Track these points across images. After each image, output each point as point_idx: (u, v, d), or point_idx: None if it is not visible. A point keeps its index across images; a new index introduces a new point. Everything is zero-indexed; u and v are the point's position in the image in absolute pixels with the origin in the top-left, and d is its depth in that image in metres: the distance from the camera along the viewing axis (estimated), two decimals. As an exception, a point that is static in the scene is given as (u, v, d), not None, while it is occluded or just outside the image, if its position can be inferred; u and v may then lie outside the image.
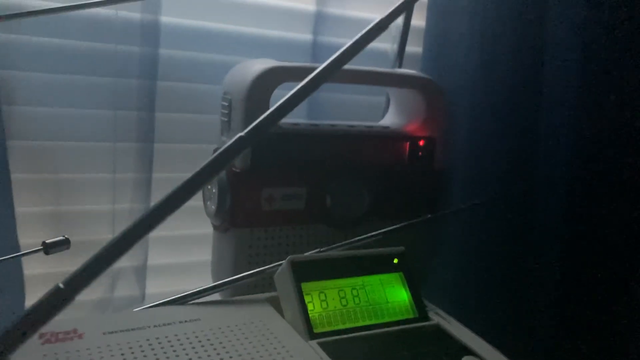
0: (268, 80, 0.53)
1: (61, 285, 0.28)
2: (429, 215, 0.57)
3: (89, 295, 0.63)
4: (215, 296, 0.50)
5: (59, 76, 0.60)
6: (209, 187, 0.57)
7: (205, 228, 0.60)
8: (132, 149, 0.63)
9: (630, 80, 0.55)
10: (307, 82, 0.33)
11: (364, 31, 0.35)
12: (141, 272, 0.65)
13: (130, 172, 0.63)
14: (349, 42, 0.34)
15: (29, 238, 0.58)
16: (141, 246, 0.64)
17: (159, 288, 0.67)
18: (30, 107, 0.60)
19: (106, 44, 0.61)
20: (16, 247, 0.57)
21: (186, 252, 0.71)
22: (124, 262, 0.64)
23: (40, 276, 0.60)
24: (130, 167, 0.63)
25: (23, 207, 0.60)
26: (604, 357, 0.56)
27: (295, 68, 0.54)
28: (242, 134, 0.31)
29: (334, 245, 0.53)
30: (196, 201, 0.58)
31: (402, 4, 0.36)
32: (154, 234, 0.65)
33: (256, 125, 0.31)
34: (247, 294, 0.50)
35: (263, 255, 0.56)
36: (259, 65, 0.54)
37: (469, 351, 0.44)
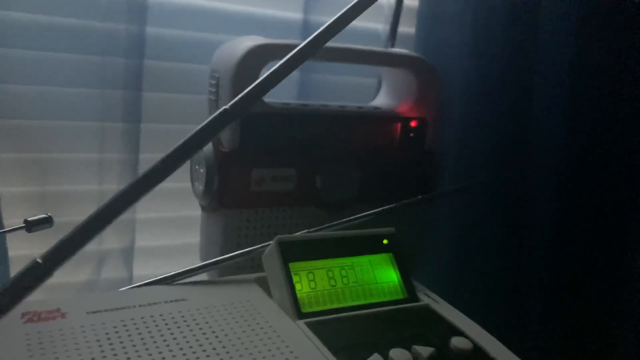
0: (256, 57, 0.52)
1: (39, 260, 0.27)
2: (420, 197, 0.57)
3: (75, 277, 0.63)
4: (203, 277, 0.49)
5: (44, 53, 0.59)
6: (197, 167, 0.56)
7: (193, 210, 0.59)
8: (118, 128, 0.62)
9: (624, 60, 0.55)
10: (293, 55, 0.32)
11: (349, 5, 0.34)
12: (128, 254, 0.64)
13: (117, 153, 0.62)
14: (336, 16, 0.34)
15: (14, 218, 0.57)
16: (128, 227, 0.63)
17: (147, 270, 0.67)
18: (14, 85, 0.59)
19: (92, 21, 0.60)
20: (0, 227, 0.56)
21: (175, 234, 0.70)
22: (111, 243, 0.64)
23: (26, 257, 0.59)
24: (117, 147, 0.62)
25: (7, 186, 0.59)
26: (593, 340, 0.56)
27: (284, 45, 0.53)
28: (226, 106, 0.30)
29: (323, 226, 0.53)
30: (185, 182, 0.58)
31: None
32: (142, 215, 0.65)
33: (240, 98, 0.30)
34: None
35: (252, 237, 0.55)
36: (247, 42, 0.53)
37: (457, 332, 0.43)
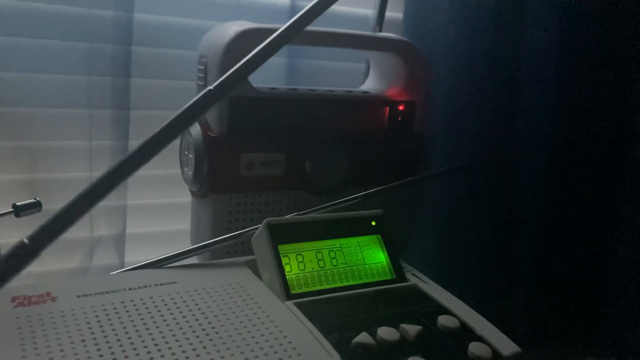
0: (244, 42, 0.52)
1: (26, 241, 0.27)
2: (408, 179, 0.57)
3: (66, 263, 0.63)
4: (193, 260, 0.50)
5: (32, 40, 0.59)
6: (186, 152, 0.56)
7: (184, 196, 0.59)
8: (107, 115, 0.62)
9: (613, 41, 0.55)
10: (278, 35, 0.32)
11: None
12: (120, 241, 0.64)
13: (106, 140, 0.62)
14: (321, -5, 0.34)
15: (2, 206, 0.57)
16: (119, 214, 0.64)
17: (139, 257, 0.67)
18: (1, 72, 0.58)
19: (79, 8, 0.60)
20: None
21: (167, 220, 0.70)
22: (102, 230, 0.64)
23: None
24: (106, 134, 0.62)
25: (-3, 174, 0.59)
26: (580, 320, 0.57)
27: (272, 30, 0.52)
28: (210, 87, 0.30)
29: (312, 209, 0.53)
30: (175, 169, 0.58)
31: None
32: (133, 202, 0.66)
33: (225, 79, 0.31)
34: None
35: (242, 221, 0.56)
36: (235, 27, 0.53)
37: (445, 310, 0.44)
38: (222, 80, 0.30)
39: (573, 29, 0.56)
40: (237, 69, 0.30)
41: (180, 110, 0.29)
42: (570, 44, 0.56)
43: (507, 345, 0.40)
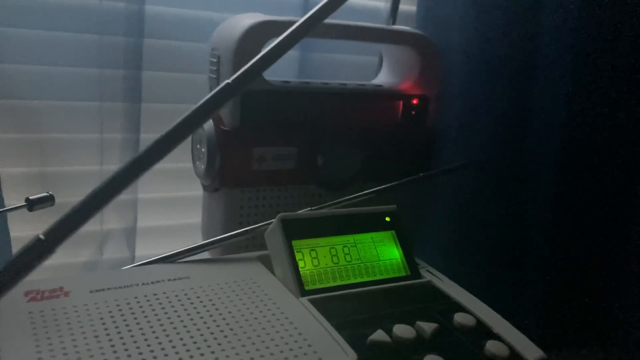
0: (257, 34, 0.51)
1: (41, 236, 0.27)
2: (422, 174, 0.56)
3: (77, 257, 0.63)
4: (205, 255, 0.49)
5: (43, 32, 0.59)
6: (198, 146, 0.56)
7: (196, 190, 0.59)
8: (119, 108, 0.61)
9: (634, 34, 0.54)
10: (296, 29, 0.32)
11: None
12: (131, 234, 0.64)
13: (117, 133, 0.62)
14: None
15: (14, 199, 0.57)
16: (130, 207, 0.63)
17: (149, 250, 0.67)
18: (12, 64, 0.58)
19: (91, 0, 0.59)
20: (2, 207, 0.56)
21: (179, 214, 0.70)
22: (113, 224, 0.63)
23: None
24: (117, 128, 0.62)
25: (8, 167, 0.58)
26: (594, 317, 0.57)
27: (285, 22, 0.52)
28: (228, 81, 0.30)
29: (325, 204, 0.53)
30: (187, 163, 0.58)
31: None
32: (144, 196, 0.65)
33: (243, 72, 0.30)
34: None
35: (254, 216, 0.55)
36: (247, 19, 0.52)
37: (460, 308, 0.43)
38: (241, 74, 0.29)
39: (591, 23, 0.55)
40: (255, 62, 0.30)
41: (198, 104, 0.29)
42: (589, 37, 0.55)
43: (525, 345, 0.40)
